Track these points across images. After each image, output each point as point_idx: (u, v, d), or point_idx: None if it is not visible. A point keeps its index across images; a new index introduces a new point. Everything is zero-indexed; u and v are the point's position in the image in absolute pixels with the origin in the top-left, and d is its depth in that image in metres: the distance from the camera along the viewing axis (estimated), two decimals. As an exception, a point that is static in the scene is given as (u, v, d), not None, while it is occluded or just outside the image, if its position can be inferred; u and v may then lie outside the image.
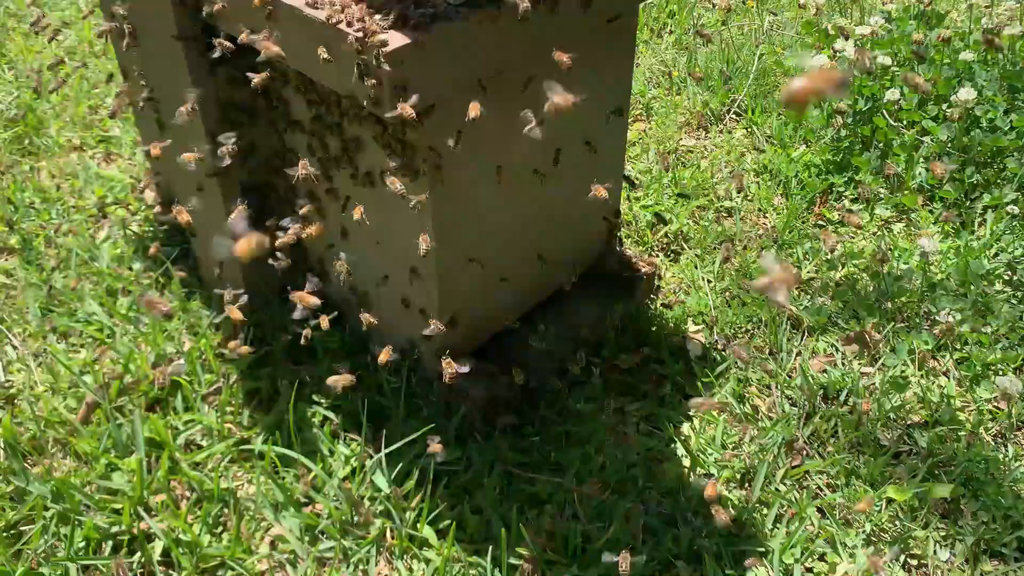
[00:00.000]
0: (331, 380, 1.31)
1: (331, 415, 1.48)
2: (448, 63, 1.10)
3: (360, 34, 1.05)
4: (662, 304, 1.77)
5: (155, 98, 1.48)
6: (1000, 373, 1.62)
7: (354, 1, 1.11)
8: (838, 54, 2.24)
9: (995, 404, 1.58)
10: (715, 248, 1.92)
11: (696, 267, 1.87)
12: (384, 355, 1.33)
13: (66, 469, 1.41)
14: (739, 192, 1.99)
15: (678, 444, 1.49)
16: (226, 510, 1.36)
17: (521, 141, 1.37)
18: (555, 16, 1.20)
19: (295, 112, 1.38)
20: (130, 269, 1.78)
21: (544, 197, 1.46)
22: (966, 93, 2.05)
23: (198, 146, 1.42)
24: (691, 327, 1.73)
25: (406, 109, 1.06)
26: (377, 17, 1.07)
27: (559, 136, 1.41)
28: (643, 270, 1.68)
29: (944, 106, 2.17)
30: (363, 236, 1.42)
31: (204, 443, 1.46)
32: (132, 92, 1.59)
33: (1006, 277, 1.83)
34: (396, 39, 1.05)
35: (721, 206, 2.05)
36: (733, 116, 2.38)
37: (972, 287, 1.78)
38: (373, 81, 1.06)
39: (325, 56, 1.10)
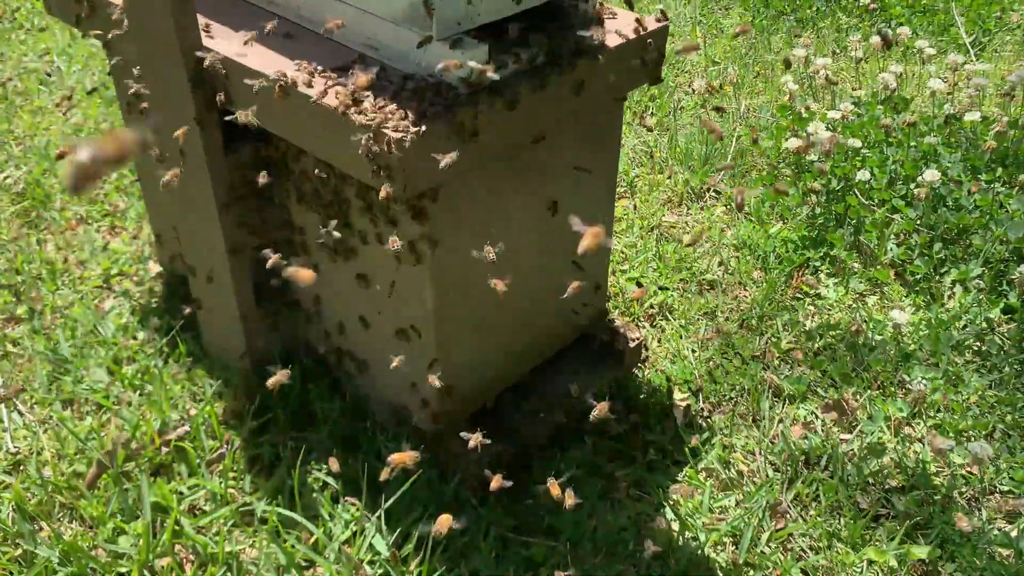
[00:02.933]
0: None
1: (331, 480, 1.52)
2: (453, 148, 1.19)
3: (370, 123, 1.14)
4: (648, 372, 1.84)
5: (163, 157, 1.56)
6: (972, 439, 1.69)
7: (367, 93, 1.21)
8: (811, 136, 2.37)
9: (968, 469, 1.65)
10: (698, 319, 2.01)
11: (681, 337, 1.95)
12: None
13: (73, 533, 1.44)
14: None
15: (667, 508, 1.55)
16: (229, 573, 1.40)
17: (515, 216, 1.46)
18: (548, 100, 1.30)
19: (305, 189, 1.47)
20: (135, 339, 1.84)
21: (536, 270, 1.54)
22: (931, 175, 2.18)
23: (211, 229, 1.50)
24: (677, 395, 1.80)
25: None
26: (389, 108, 1.16)
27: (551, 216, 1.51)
28: (630, 340, 1.76)
29: (912, 186, 2.29)
30: (365, 304, 1.50)
31: (208, 508, 1.50)
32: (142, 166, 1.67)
33: (975, 348, 1.92)
34: (404, 127, 1.14)
35: (703, 279, 2.15)
36: (713, 194, 2.50)
37: (943, 357, 1.87)
38: (382, 165, 1.15)
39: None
